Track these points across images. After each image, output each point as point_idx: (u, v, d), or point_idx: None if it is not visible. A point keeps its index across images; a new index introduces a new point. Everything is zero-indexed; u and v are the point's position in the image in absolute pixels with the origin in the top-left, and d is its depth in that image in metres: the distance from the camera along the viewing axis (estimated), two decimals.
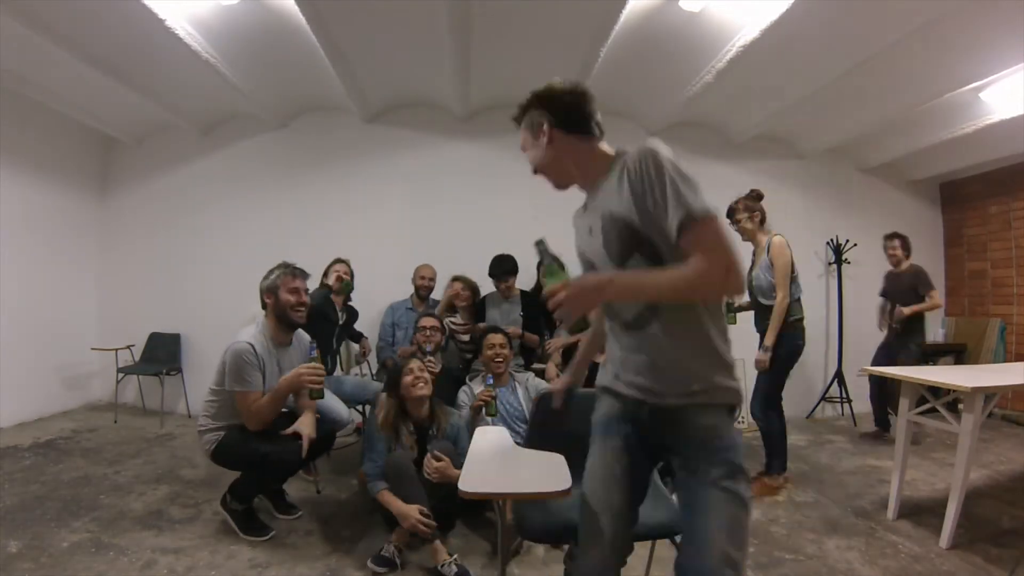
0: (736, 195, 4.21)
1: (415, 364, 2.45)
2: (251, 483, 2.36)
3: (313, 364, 2.27)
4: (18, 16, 2.87)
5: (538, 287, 3.89)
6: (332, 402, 2.80)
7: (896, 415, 2.66)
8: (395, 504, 2.18)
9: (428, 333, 3.13)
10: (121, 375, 4.39)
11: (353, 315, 3.67)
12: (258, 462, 2.26)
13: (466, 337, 3.62)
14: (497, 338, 2.86)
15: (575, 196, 1.40)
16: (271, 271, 2.44)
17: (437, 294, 3.91)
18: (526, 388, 2.86)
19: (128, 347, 4.50)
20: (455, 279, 3.74)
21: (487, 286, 3.76)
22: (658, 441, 1.17)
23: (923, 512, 2.60)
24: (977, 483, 2.99)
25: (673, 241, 1.04)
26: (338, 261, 3.52)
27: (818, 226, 4.93)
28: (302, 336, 2.55)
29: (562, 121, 1.26)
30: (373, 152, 4.63)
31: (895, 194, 5.25)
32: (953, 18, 2.84)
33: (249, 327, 2.39)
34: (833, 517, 2.60)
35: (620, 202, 1.12)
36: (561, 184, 1.34)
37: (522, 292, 3.74)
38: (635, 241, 1.11)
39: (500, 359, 2.82)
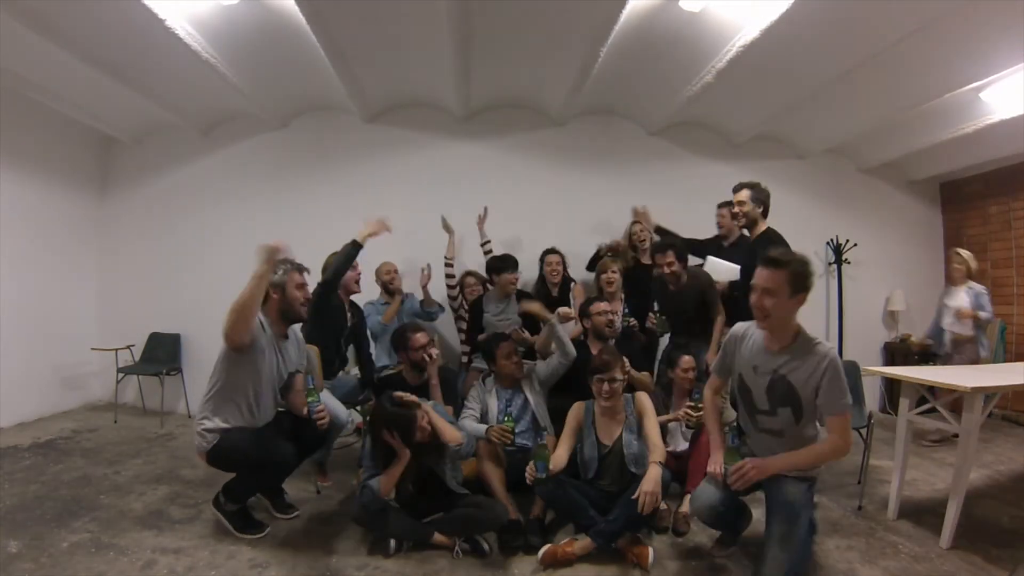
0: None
1: (420, 414, 2.28)
2: (246, 484, 2.36)
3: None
4: (18, 16, 2.86)
5: (537, 287, 3.90)
6: (331, 403, 2.80)
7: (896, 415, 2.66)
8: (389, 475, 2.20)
9: (426, 351, 2.83)
10: (121, 375, 4.39)
11: (360, 315, 3.48)
12: (252, 465, 2.26)
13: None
14: (508, 347, 2.86)
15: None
16: (276, 266, 2.42)
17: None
18: (531, 381, 2.86)
19: (128, 347, 4.50)
20: (468, 274, 3.86)
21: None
22: None
23: (923, 512, 2.60)
24: (977, 483, 2.98)
25: (820, 413, 1.80)
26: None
27: (818, 226, 4.93)
28: (295, 331, 2.55)
29: (803, 299, 1.82)
30: (373, 152, 4.63)
31: (895, 194, 5.25)
32: (953, 18, 2.84)
33: None
34: (833, 517, 2.60)
35: (802, 378, 1.79)
36: (769, 327, 1.87)
37: (519, 292, 3.74)
38: (791, 399, 1.83)
39: (514, 367, 2.82)
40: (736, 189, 3.18)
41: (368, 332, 3.56)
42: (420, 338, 2.82)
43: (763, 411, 1.94)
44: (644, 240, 3.89)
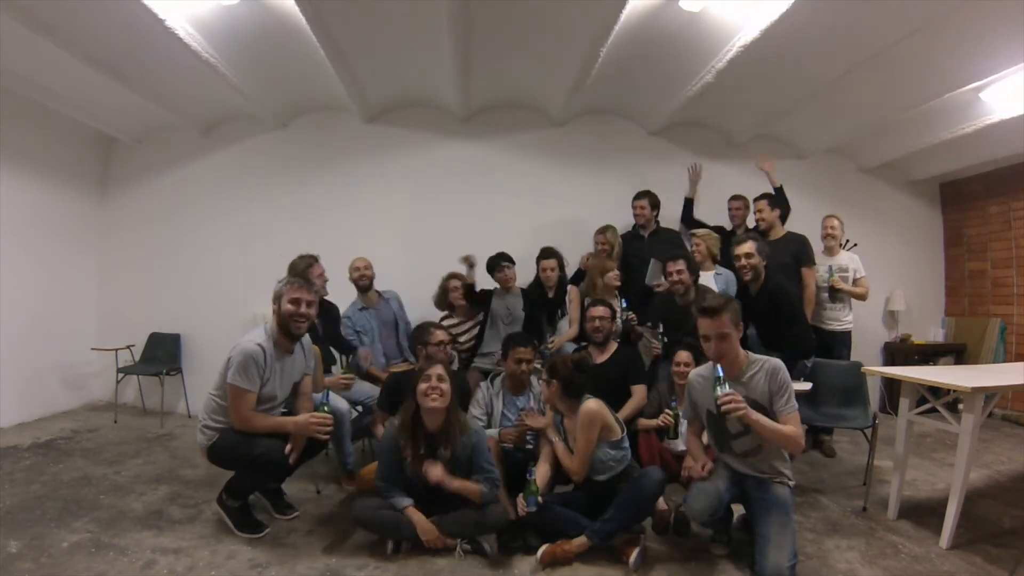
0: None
1: (435, 371, 2.27)
2: (243, 482, 2.37)
3: (323, 415, 2.29)
4: (18, 16, 2.86)
5: (532, 288, 3.91)
6: (332, 399, 2.81)
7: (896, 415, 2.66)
8: (419, 521, 2.20)
9: (445, 348, 2.86)
10: (121, 375, 4.39)
11: (331, 314, 3.39)
12: (248, 462, 2.27)
13: (463, 338, 3.63)
14: (525, 353, 2.75)
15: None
16: (282, 279, 2.42)
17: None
18: (538, 398, 2.81)
19: (128, 347, 4.50)
20: (452, 276, 3.75)
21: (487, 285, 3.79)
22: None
23: (923, 512, 2.60)
24: (977, 483, 2.99)
25: (778, 414, 2.02)
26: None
27: (818, 226, 4.91)
28: (306, 344, 2.52)
29: (741, 330, 2.11)
30: (373, 152, 4.64)
31: (895, 194, 5.25)
32: (953, 18, 2.84)
33: (258, 329, 2.38)
34: (833, 517, 2.60)
35: (762, 393, 2.05)
36: (720, 359, 2.08)
37: (522, 290, 3.75)
38: (761, 413, 2.00)
39: (525, 374, 2.77)
40: (740, 240, 3.10)
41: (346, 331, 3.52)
42: (440, 334, 2.88)
43: (737, 435, 2.12)
44: (608, 250, 3.98)
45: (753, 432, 2.06)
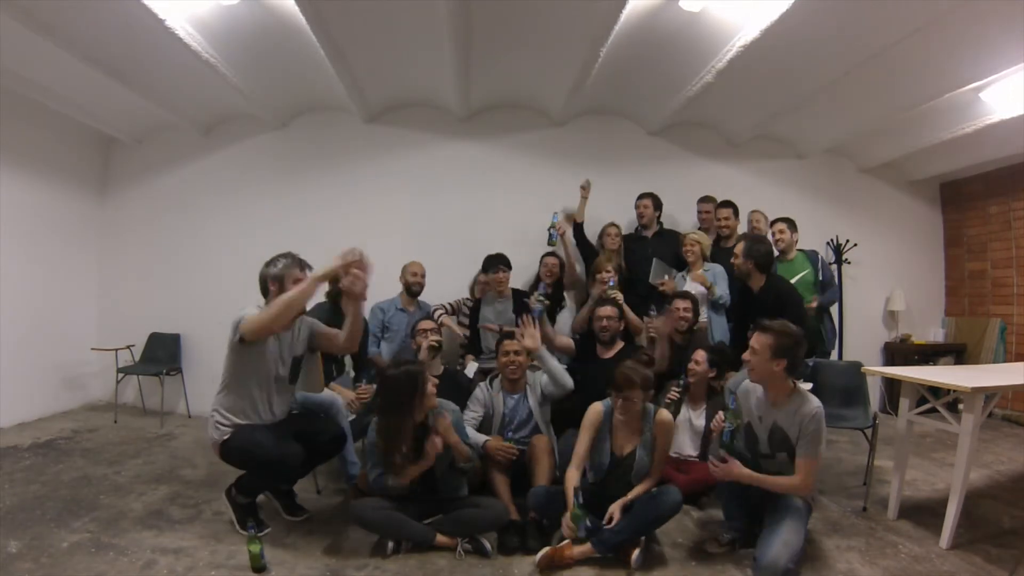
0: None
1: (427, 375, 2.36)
2: (254, 481, 2.37)
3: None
4: (18, 16, 2.86)
5: (534, 286, 3.91)
6: (326, 395, 2.80)
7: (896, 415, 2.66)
8: None
9: (428, 333, 3.03)
10: (121, 375, 4.39)
11: (365, 327, 3.39)
12: (260, 463, 2.26)
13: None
14: (512, 345, 2.78)
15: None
16: (276, 259, 2.39)
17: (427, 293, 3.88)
18: (535, 388, 2.83)
19: (128, 347, 4.50)
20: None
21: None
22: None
23: (923, 512, 2.60)
24: (977, 483, 2.99)
25: (797, 454, 2.07)
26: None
27: (818, 226, 4.92)
28: (304, 318, 2.49)
29: (783, 364, 2.10)
30: (373, 152, 4.64)
31: (895, 194, 5.25)
32: (953, 18, 2.85)
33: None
34: (833, 517, 2.60)
35: (792, 428, 2.10)
36: (757, 381, 2.19)
37: (514, 291, 3.75)
38: (786, 445, 2.13)
39: (515, 366, 2.78)
40: (737, 241, 3.16)
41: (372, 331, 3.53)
42: (425, 323, 3.06)
43: (765, 455, 2.20)
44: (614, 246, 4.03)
45: (776, 460, 2.16)
